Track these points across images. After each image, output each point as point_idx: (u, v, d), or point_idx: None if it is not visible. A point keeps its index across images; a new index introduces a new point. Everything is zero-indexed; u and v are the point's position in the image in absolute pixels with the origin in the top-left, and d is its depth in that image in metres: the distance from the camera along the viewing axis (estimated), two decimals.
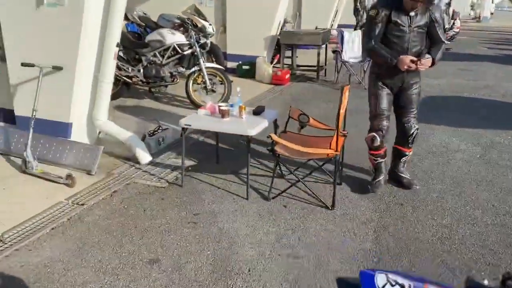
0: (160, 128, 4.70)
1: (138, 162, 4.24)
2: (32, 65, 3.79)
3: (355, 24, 15.29)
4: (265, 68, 8.01)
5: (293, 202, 3.52)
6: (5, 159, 4.26)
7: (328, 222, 3.24)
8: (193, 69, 6.11)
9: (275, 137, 3.23)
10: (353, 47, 7.80)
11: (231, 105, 3.78)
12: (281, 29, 8.65)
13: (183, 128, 3.64)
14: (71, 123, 4.19)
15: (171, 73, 6.22)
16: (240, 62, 8.45)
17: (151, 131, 4.58)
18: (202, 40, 6.15)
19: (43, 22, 3.94)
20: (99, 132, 4.52)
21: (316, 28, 8.88)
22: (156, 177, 3.97)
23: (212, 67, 6.13)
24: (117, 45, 4.01)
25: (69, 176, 3.72)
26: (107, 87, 4.13)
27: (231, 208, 3.43)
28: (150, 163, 4.24)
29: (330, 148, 3.32)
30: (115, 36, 3.94)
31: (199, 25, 6.13)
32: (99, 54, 4.13)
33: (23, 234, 3.03)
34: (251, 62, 8.34)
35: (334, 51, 7.64)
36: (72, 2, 3.77)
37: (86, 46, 3.94)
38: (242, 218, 3.28)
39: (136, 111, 5.94)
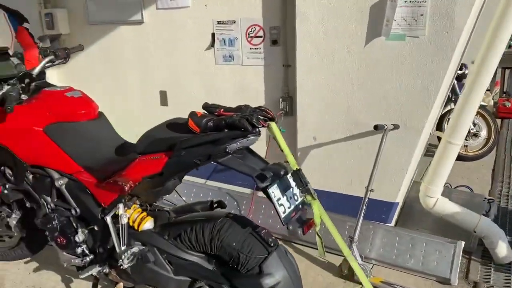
0: (489, 201, 3.32)
1: (489, 258, 2.90)
2: (383, 127, 2.58)
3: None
4: (483, 99, 6.48)
5: None
6: (293, 249, 3.10)
7: None
8: (448, 107, 4.75)
9: None
10: None
11: None
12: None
13: None
14: (397, 203, 2.94)
15: None
16: None
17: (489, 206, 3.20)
18: (461, 71, 4.77)
19: (378, 64, 2.72)
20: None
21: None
22: None
23: None
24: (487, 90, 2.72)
25: None
26: (455, 151, 2.83)
27: None
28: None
29: None
30: (488, 79, 2.64)
31: None
32: (439, 104, 2.87)
33: None
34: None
35: None
36: (439, 32, 2.51)
37: (441, 95, 2.69)
38: None
39: None
